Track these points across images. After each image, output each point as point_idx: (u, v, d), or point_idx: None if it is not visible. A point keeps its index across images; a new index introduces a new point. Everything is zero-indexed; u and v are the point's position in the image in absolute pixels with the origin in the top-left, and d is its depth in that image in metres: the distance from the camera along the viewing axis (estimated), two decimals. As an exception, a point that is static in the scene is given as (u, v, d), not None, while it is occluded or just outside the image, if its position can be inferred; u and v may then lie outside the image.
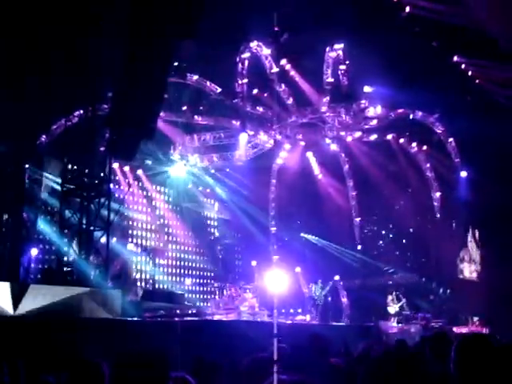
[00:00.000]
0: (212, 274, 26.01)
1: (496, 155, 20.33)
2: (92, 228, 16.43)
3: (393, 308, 22.62)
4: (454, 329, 20.46)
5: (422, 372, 2.18)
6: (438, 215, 25.86)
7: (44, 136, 20.37)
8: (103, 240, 16.78)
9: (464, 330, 20.69)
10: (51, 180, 19.72)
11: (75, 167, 17.60)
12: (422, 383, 2.13)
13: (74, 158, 17.43)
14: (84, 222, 16.22)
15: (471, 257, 28.08)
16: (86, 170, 16.91)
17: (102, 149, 17.87)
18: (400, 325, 21.18)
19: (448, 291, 25.27)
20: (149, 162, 23.70)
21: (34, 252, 19.15)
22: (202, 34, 18.63)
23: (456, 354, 3.17)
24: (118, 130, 16.05)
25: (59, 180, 17.63)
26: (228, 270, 24.97)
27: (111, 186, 17.66)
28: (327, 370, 3.74)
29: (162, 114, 18.74)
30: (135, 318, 14.02)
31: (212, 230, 27.63)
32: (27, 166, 19.52)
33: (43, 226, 19.76)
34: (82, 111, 17.81)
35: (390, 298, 22.94)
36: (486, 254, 26.05)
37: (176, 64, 20.49)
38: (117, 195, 21.19)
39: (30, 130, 18.47)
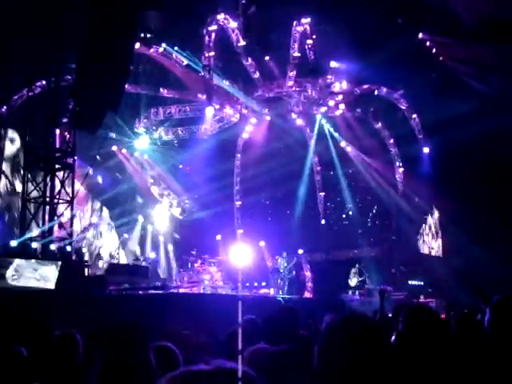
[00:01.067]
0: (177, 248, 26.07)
1: (458, 132, 20.67)
2: (56, 201, 16.23)
3: (354, 281, 23.04)
4: (416, 302, 20.93)
5: (380, 341, 2.24)
6: (401, 190, 26.25)
7: (4, 107, 19.91)
8: (67, 213, 16.61)
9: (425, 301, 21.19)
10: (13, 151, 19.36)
11: (38, 139, 17.29)
12: (377, 352, 2.19)
13: (37, 130, 17.12)
14: (48, 194, 16.01)
15: (433, 232, 28.67)
16: (50, 142, 16.64)
17: (65, 120, 17.57)
18: (362, 297, 21.59)
19: (409, 265, 25.78)
20: (113, 135, 23.41)
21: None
22: (169, 5, 18.48)
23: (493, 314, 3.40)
24: (82, 102, 15.82)
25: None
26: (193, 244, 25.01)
27: (75, 158, 17.41)
28: (298, 343, 3.82)
29: (127, 86, 18.49)
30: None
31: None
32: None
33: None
34: (44, 82, 17.45)
35: (352, 270, 23.33)
36: (447, 229, 26.60)
37: (142, 35, 20.21)
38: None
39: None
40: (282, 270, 22.40)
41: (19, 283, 13.13)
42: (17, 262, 13.43)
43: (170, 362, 3.38)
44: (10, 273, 13.16)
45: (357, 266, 23.36)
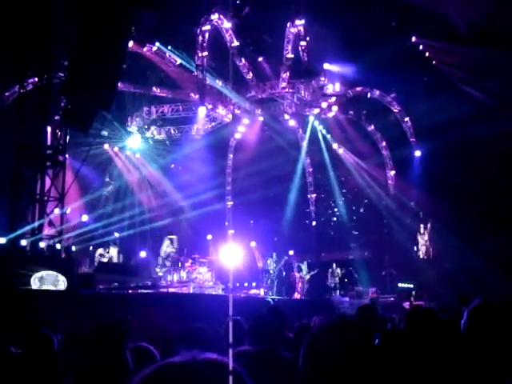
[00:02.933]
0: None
1: (450, 135, 20.75)
2: (46, 198, 16.16)
3: (332, 281, 22.97)
4: (405, 304, 20.99)
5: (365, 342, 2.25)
6: (392, 193, 26.33)
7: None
8: (57, 211, 16.53)
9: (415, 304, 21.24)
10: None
11: (29, 136, 17.20)
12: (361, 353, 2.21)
13: (28, 127, 17.01)
14: (38, 192, 15.93)
15: (423, 235, 28.72)
16: (41, 139, 16.53)
17: (57, 118, 17.50)
18: (352, 299, 21.61)
19: (399, 268, 25.82)
20: (105, 133, 23.35)
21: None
22: (163, 4, 18.45)
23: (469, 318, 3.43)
24: (74, 99, 15.77)
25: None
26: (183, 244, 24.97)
27: (67, 156, 17.33)
28: (284, 344, 3.83)
29: (120, 84, 18.45)
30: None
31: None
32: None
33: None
34: (36, 79, 17.37)
35: (329, 271, 23.26)
36: (438, 232, 26.67)
37: (135, 34, 20.17)
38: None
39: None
40: (271, 271, 22.40)
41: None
42: (43, 272, 13.56)
43: (148, 363, 3.39)
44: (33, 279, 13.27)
45: (333, 266, 23.32)
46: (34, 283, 13.17)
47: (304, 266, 22.78)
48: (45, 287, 13.22)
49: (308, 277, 22.56)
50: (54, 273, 13.67)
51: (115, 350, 2.84)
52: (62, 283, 13.63)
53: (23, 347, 4.14)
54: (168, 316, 10.28)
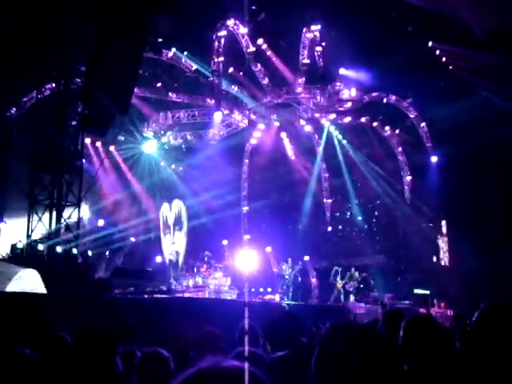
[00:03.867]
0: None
1: (467, 141, 20.60)
2: (63, 203, 16.27)
3: (340, 283, 22.74)
4: (421, 310, 20.83)
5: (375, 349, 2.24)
6: (408, 199, 26.18)
7: (14, 108, 20.03)
8: (74, 216, 16.65)
9: (431, 311, 21.08)
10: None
11: (46, 141, 17.35)
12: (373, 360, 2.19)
13: (45, 132, 17.15)
14: (55, 197, 16.05)
15: (440, 241, 28.51)
16: (58, 145, 16.65)
17: (73, 123, 17.62)
18: (368, 305, 21.48)
19: (416, 274, 25.64)
20: (121, 138, 23.49)
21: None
22: (179, 9, 18.53)
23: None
24: (91, 105, 15.87)
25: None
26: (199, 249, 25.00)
27: (83, 161, 17.45)
28: (299, 349, 3.81)
29: (136, 89, 18.56)
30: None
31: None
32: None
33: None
34: (53, 84, 17.52)
35: (347, 275, 23.04)
36: (455, 239, 26.45)
37: (152, 39, 20.28)
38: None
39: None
40: (287, 276, 22.34)
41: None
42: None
43: (161, 367, 3.42)
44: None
45: (335, 268, 23.11)
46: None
47: (287, 265, 22.58)
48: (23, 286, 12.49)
49: (292, 276, 22.40)
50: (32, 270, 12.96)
51: (106, 354, 2.88)
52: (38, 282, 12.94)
53: (37, 350, 4.18)
54: (182, 321, 10.28)
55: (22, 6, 15.24)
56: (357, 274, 23.01)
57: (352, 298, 22.53)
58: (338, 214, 28.62)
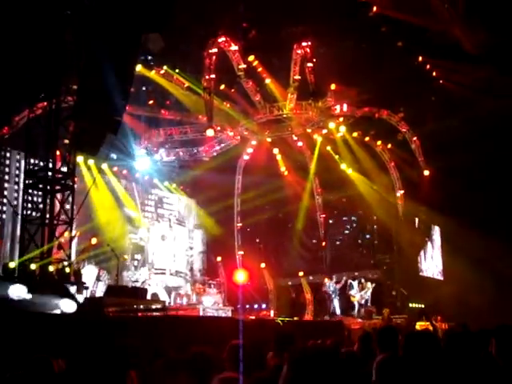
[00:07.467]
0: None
1: (458, 155, 20.70)
2: (55, 222, 16.17)
3: (355, 297, 22.72)
4: (417, 325, 20.78)
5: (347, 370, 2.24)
6: (401, 213, 26.21)
7: (6, 128, 19.97)
8: (66, 235, 16.55)
9: (425, 325, 21.01)
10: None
11: (38, 160, 17.31)
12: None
13: (37, 151, 17.10)
14: (47, 216, 15.95)
15: (433, 255, 28.56)
16: (50, 164, 16.58)
17: (66, 141, 17.57)
18: (364, 320, 21.41)
19: (410, 288, 25.62)
20: (114, 156, 23.45)
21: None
22: (170, 28, 18.62)
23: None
24: (83, 123, 15.85)
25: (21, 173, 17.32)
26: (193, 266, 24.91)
27: (76, 179, 17.38)
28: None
29: (128, 107, 18.55)
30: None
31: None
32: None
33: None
34: (45, 103, 17.49)
35: (356, 285, 23.02)
36: (448, 252, 26.50)
37: (143, 57, 20.36)
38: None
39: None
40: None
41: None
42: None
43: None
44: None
45: (349, 281, 23.11)
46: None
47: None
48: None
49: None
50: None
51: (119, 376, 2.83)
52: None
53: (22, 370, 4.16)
54: (174, 340, 10.22)
55: (13, 24, 15.25)
56: (368, 284, 23.02)
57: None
58: (331, 229, 28.61)
